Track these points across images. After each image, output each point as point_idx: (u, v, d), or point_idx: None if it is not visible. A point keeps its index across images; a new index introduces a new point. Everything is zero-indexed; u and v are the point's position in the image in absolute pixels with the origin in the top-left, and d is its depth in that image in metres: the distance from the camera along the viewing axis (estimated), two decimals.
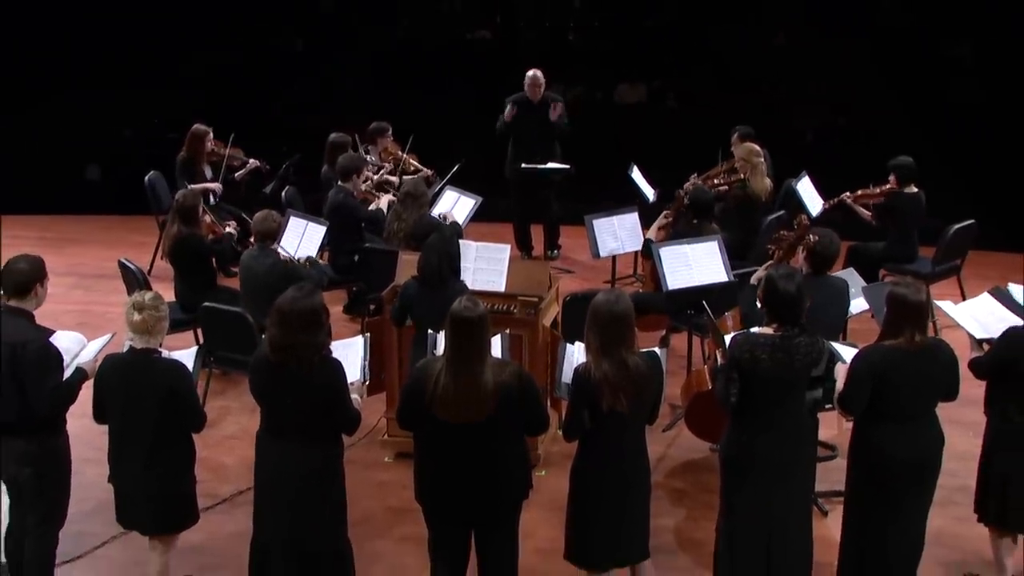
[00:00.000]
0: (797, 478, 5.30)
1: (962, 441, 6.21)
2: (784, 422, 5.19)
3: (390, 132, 10.36)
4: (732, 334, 5.72)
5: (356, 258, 8.84)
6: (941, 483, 5.58)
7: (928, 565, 5.79)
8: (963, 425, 6.20)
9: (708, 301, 7.12)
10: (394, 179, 9.94)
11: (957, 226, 9.10)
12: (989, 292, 6.31)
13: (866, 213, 9.26)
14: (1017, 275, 7.08)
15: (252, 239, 7.95)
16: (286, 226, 8.34)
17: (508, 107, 10.50)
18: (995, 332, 5.78)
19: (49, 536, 5.48)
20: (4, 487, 5.53)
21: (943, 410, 5.46)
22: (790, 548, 5.31)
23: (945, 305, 6.37)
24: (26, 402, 5.20)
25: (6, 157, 11.73)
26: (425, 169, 10.19)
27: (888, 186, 9.12)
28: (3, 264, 5.39)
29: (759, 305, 5.39)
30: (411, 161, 10.25)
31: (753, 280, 6.61)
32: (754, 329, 5.36)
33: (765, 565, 5.27)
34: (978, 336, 5.95)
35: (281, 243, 8.04)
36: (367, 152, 10.12)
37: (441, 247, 6.69)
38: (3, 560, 5.67)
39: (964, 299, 7.02)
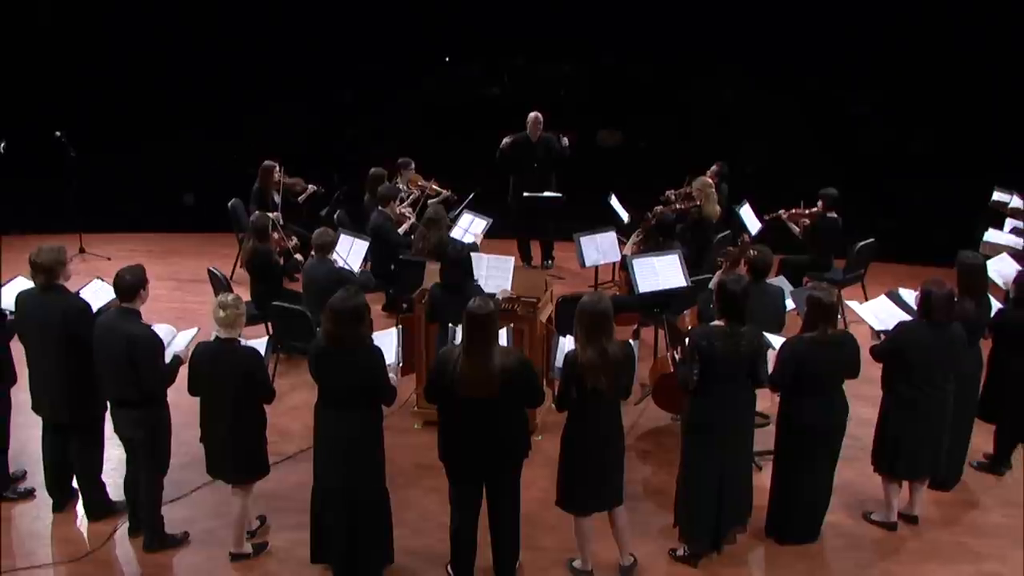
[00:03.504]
0: (741, 439, 5.36)
1: (864, 412, 6.25)
2: (731, 395, 5.24)
3: (412, 166, 10.29)
4: (690, 328, 5.78)
5: (392, 267, 8.83)
6: (847, 444, 5.67)
7: (836, 508, 5.90)
8: (865, 399, 6.23)
9: (669, 301, 7.15)
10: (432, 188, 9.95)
11: (862, 243, 9.16)
12: (885, 294, 6.39)
13: (796, 228, 9.34)
14: (907, 281, 7.16)
15: (312, 251, 7.99)
16: (338, 241, 8.37)
17: (506, 140, 10.46)
18: (890, 325, 5.85)
19: (156, 482, 5.58)
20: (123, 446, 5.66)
21: (849, 387, 5.52)
22: (736, 495, 5.37)
23: (852, 304, 6.46)
24: (140, 381, 5.30)
25: (126, 187, 11.81)
26: (444, 191, 10.16)
27: (816, 209, 9.19)
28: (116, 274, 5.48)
29: (712, 305, 5.45)
30: (433, 187, 10.23)
31: (711, 285, 6.66)
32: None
33: (716, 508, 5.34)
34: (877, 328, 6.03)
35: (335, 253, 8.05)
36: (396, 182, 10.12)
37: (456, 259, 6.73)
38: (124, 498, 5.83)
39: (867, 300, 7.06)
